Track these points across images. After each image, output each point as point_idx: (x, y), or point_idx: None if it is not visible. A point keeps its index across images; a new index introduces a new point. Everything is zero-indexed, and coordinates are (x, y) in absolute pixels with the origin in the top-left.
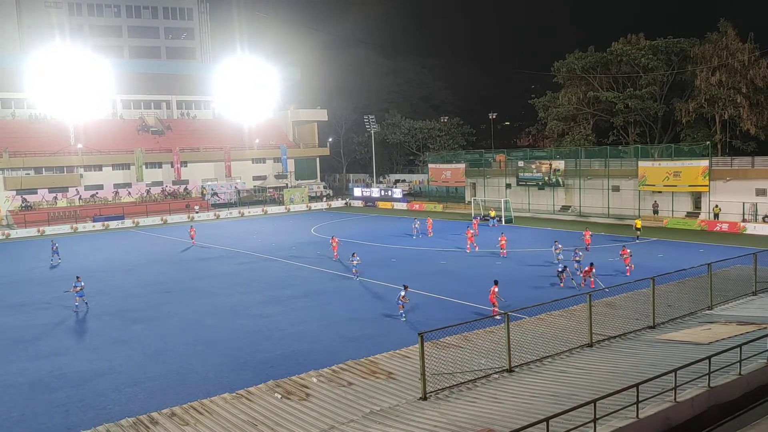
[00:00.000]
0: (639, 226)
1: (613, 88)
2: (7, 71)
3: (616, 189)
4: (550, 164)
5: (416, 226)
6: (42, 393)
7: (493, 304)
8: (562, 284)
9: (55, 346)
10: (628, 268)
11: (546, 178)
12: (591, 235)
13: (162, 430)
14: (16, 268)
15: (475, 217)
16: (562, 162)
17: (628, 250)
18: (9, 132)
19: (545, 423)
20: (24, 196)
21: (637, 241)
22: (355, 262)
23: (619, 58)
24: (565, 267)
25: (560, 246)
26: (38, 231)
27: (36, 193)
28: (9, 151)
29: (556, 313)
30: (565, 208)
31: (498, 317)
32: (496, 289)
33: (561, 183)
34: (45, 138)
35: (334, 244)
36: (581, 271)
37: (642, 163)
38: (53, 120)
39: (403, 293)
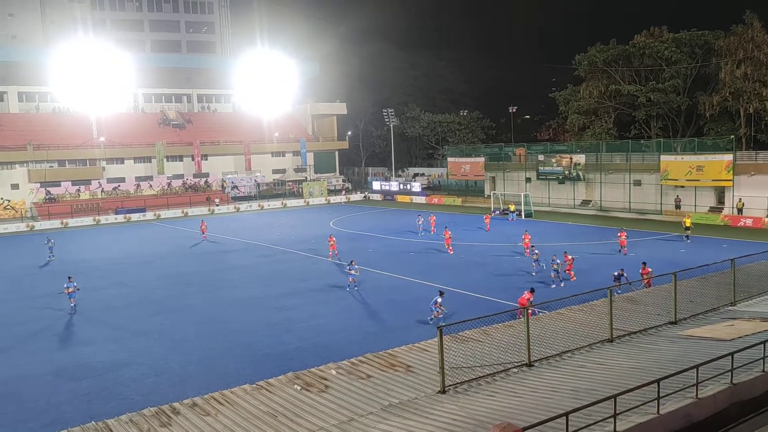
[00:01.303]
0: (689, 224)
1: (636, 81)
2: (32, 65)
3: (638, 183)
4: (571, 158)
5: (420, 222)
6: (66, 382)
7: (522, 306)
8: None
9: (78, 337)
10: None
11: (566, 172)
12: (627, 237)
13: (183, 419)
14: (39, 260)
15: (494, 210)
16: (583, 156)
17: (570, 257)
18: (33, 125)
19: (565, 417)
20: (48, 188)
21: (687, 240)
22: (353, 271)
23: (642, 51)
24: (621, 271)
25: (537, 252)
26: (62, 223)
27: (59, 185)
28: (33, 143)
29: (575, 307)
30: (585, 203)
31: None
32: (531, 298)
33: (581, 177)
34: (68, 131)
35: (332, 242)
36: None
37: (664, 158)
38: (76, 113)
39: (439, 300)
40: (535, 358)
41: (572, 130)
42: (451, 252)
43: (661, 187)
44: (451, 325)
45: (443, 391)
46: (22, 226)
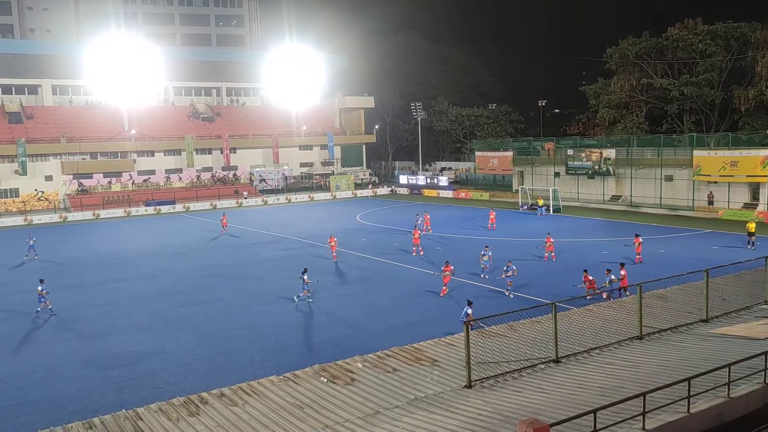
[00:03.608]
0: (753, 229)
1: (668, 74)
2: (65, 59)
3: (669, 179)
4: (601, 153)
5: (417, 222)
6: (96, 371)
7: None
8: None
9: (109, 327)
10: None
11: (596, 167)
12: (642, 243)
13: (211, 409)
14: (72, 251)
15: (522, 205)
16: (613, 151)
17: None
18: (67, 118)
19: (593, 414)
20: (80, 180)
21: (751, 247)
22: (307, 280)
23: (675, 44)
24: (608, 271)
25: (490, 253)
26: (93, 214)
27: (91, 177)
28: (66, 136)
29: (604, 304)
30: (615, 198)
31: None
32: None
33: (611, 172)
34: (100, 124)
35: (333, 243)
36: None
37: (697, 153)
38: (108, 106)
39: (470, 311)
40: (563, 355)
41: (602, 124)
42: (414, 254)
43: (693, 182)
44: (478, 320)
45: (469, 386)
46: (55, 217)
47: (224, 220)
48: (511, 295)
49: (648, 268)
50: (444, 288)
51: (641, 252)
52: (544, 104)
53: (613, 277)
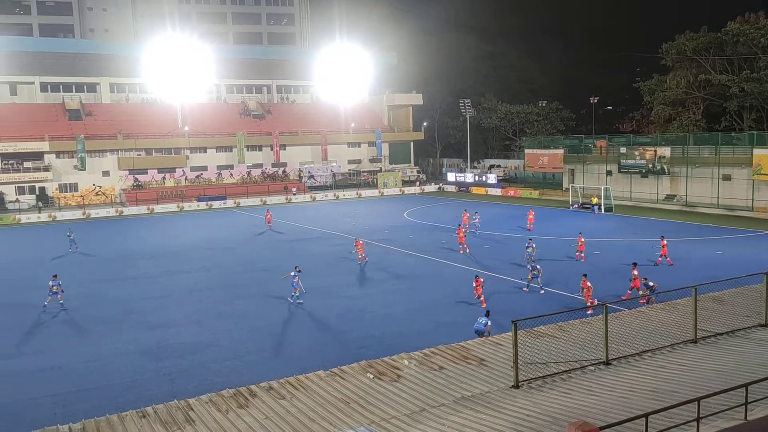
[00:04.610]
0: None
1: (728, 70)
2: (123, 58)
3: (727, 178)
4: (655, 151)
5: (476, 221)
6: (150, 362)
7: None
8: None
9: (163, 318)
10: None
11: (650, 165)
12: (667, 245)
13: (260, 402)
14: (128, 244)
15: (573, 204)
16: (668, 149)
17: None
18: (123, 115)
19: (644, 419)
20: (135, 175)
21: None
22: (297, 278)
23: (735, 39)
24: (645, 279)
25: (534, 245)
26: (148, 209)
27: (146, 173)
28: (123, 132)
29: (657, 306)
30: (669, 198)
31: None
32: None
33: (666, 171)
34: (155, 121)
35: (359, 246)
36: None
37: (758, 151)
38: (163, 104)
39: (489, 322)
40: (613, 357)
41: (657, 121)
42: (461, 252)
43: (753, 182)
44: (526, 319)
45: (517, 386)
46: (111, 212)
47: (268, 216)
48: (543, 290)
49: (704, 270)
50: (482, 299)
51: (667, 254)
52: (596, 101)
53: (652, 283)
